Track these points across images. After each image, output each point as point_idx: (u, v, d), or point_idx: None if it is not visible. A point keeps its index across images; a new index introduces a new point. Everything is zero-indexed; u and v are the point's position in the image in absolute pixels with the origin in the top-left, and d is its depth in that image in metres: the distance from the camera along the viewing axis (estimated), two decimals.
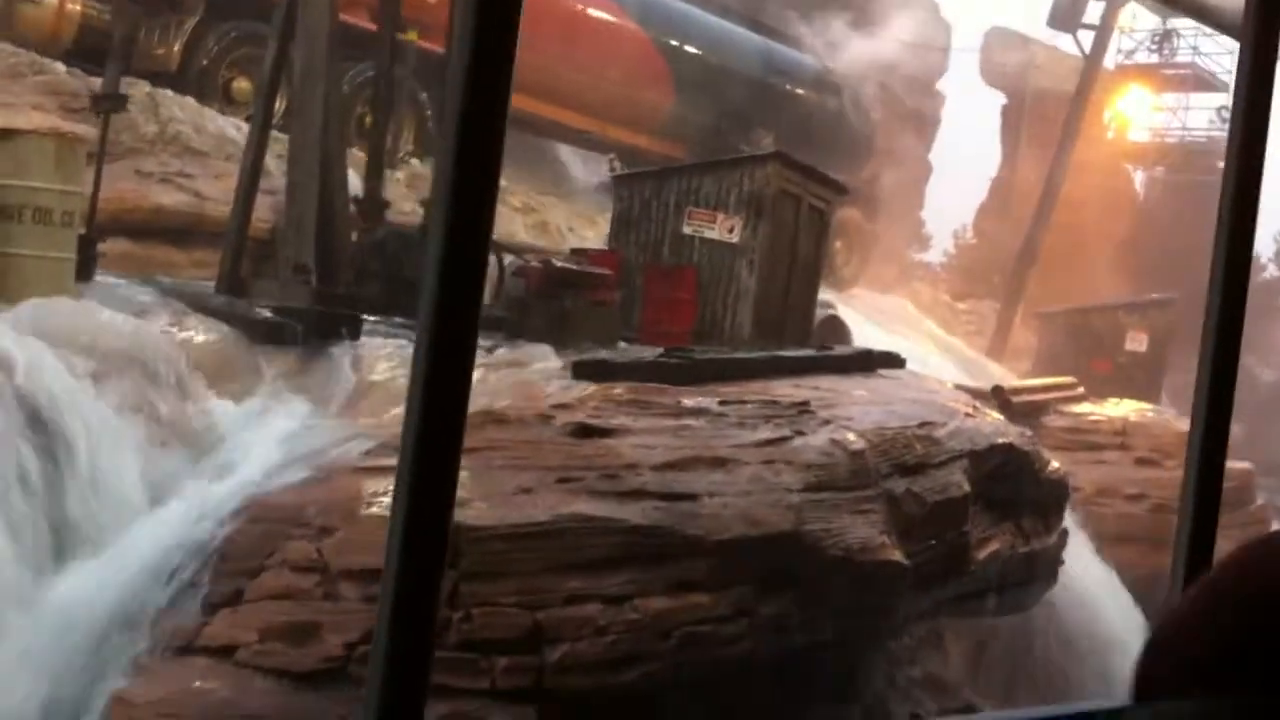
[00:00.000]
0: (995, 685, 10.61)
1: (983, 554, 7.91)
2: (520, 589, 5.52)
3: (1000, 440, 8.35)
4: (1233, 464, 14.47)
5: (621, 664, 5.61)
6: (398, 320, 9.08)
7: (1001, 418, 9.77)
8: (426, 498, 1.27)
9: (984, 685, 10.47)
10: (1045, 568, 8.98)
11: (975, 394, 12.85)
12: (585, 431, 6.56)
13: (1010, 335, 21.54)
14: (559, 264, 9.93)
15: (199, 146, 12.13)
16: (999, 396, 14.21)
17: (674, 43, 17.91)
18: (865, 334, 14.73)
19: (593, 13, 17.43)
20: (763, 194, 11.07)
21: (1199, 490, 2.25)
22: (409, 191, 13.01)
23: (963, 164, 33.45)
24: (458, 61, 1.28)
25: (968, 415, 8.52)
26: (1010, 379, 16.55)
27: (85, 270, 8.46)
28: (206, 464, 7.07)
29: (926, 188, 29.96)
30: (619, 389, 7.46)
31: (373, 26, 12.26)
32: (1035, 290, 23.02)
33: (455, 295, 1.29)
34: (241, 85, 14.00)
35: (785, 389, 8.20)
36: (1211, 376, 2.31)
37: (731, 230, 11.10)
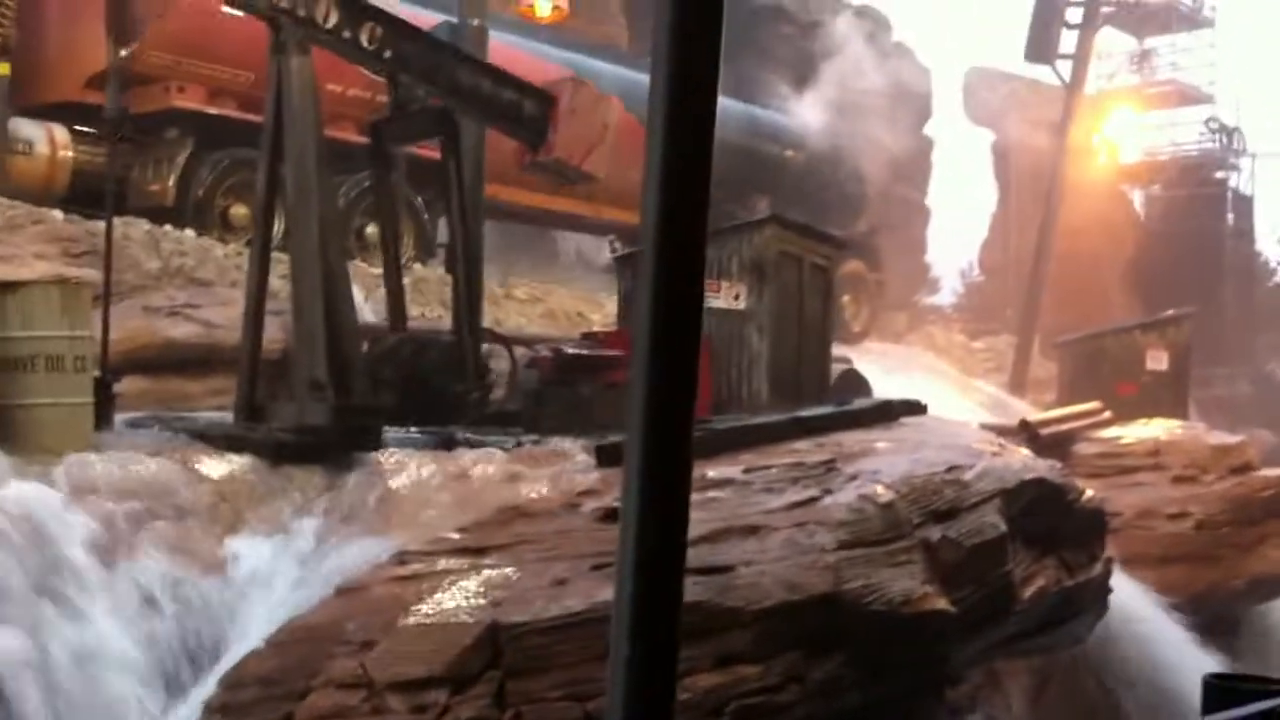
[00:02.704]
0: None
1: (1028, 591, 7.82)
2: (566, 681, 5.47)
3: (1030, 475, 8.28)
4: (1274, 471, 14.37)
5: None
6: (415, 428, 9.09)
7: (1029, 453, 9.70)
8: (652, 615, 1.21)
9: None
10: (1094, 598, 8.87)
11: (1002, 431, 12.79)
12: (613, 515, 6.53)
13: (1029, 368, 21.47)
14: (570, 350, 9.95)
15: (203, 276, 12.24)
16: (1026, 430, 14.13)
17: None
18: (884, 385, 14.69)
19: None
20: (764, 258, 11.10)
21: None
22: (415, 295, 13.10)
23: (960, 204, 33.59)
24: (653, 198, 1.24)
25: (994, 454, 8.46)
26: (1035, 412, 16.46)
27: (104, 413, 8.48)
28: (244, 604, 7.03)
29: (927, 232, 30.07)
30: None
31: (359, 139, 12.41)
32: (1050, 320, 22.99)
33: (667, 414, 1.26)
34: (239, 211, 14.18)
35: (808, 449, 8.17)
36: None
37: (737, 297, 11.11)
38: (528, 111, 9.93)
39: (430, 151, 12.88)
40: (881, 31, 25.89)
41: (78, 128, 13.85)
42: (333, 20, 8.67)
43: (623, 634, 1.21)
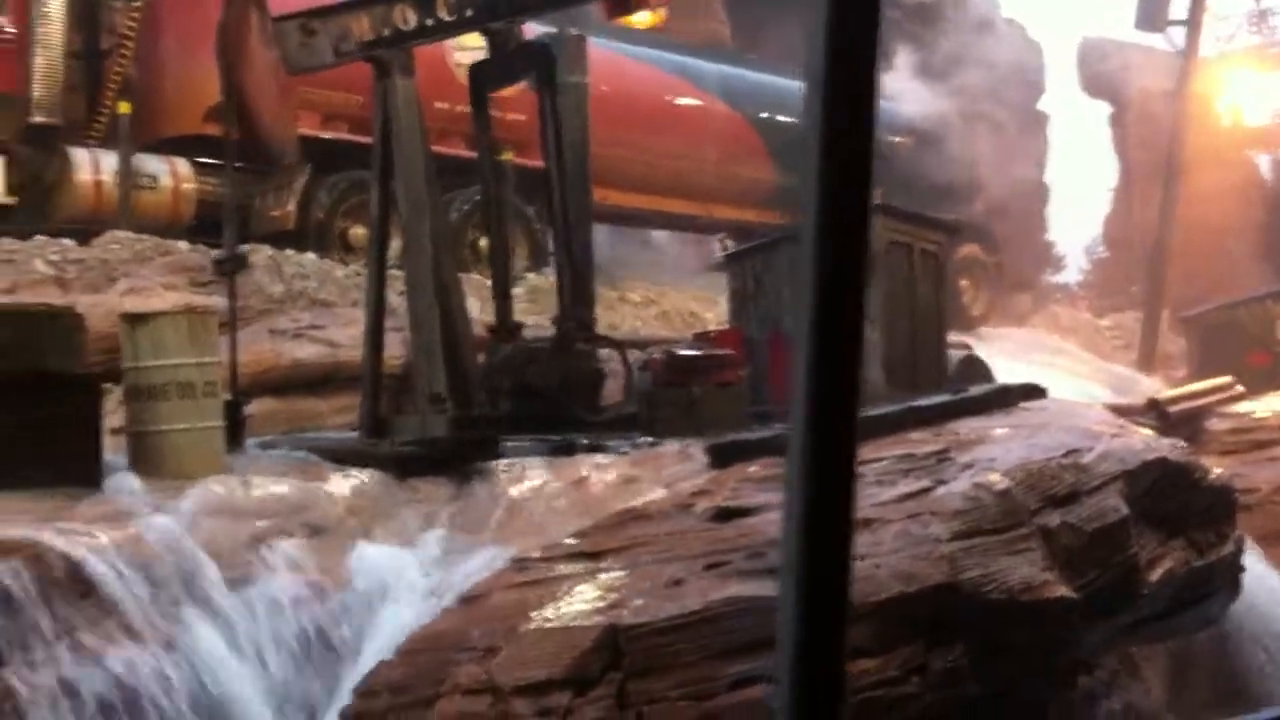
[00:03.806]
0: (1200, 705, 10.24)
1: (1155, 574, 7.69)
2: (685, 680, 5.55)
3: (1152, 456, 8.14)
4: None
5: None
6: (534, 435, 9.26)
7: (1150, 433, 9.51)
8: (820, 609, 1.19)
9: (1189, 706, 10.12)
10: (1225, 578, 8.68)
11: (1130, 410, 12.55)
12: (726, 514, 6.60)
13: (1158, 344, 21.00)
14: (680, 352, 10.04)
15: (325, 297, 12.58)
16: (1155, 408, 13.86)
17: (763, 115, 18.08)
18: (1007, 369, 14.51)
19: (680, 101, 17.71)
20: (873, 248, 11.06)
21: None
22: (530, 305, 13.29)
23: (1082, 179, 32.90)
24: (814, 200, 1.19)
25: (1114, 436, 8.33)
26: (1164, 390, 16.12)
27: (235, 435, 8.79)
28: (375, 614, 7.25)
29: (1047, 210, 29.53)
30: (755, 467, 7.49)
31: (466, 154, 12.63)
32: (1181, 292, 22.45)
33: (830, 402, 1.23)
34: (358, 232, 14.52)
35: (922, 438, 8.14)
36: None
37: None
38: None
39: (539, 162, 13.07)
40: (990, 9, 25.54)
41: (199, 160, 14.32)
42: (412, 19, 8.75)
43: (790, 629, 1.19)
